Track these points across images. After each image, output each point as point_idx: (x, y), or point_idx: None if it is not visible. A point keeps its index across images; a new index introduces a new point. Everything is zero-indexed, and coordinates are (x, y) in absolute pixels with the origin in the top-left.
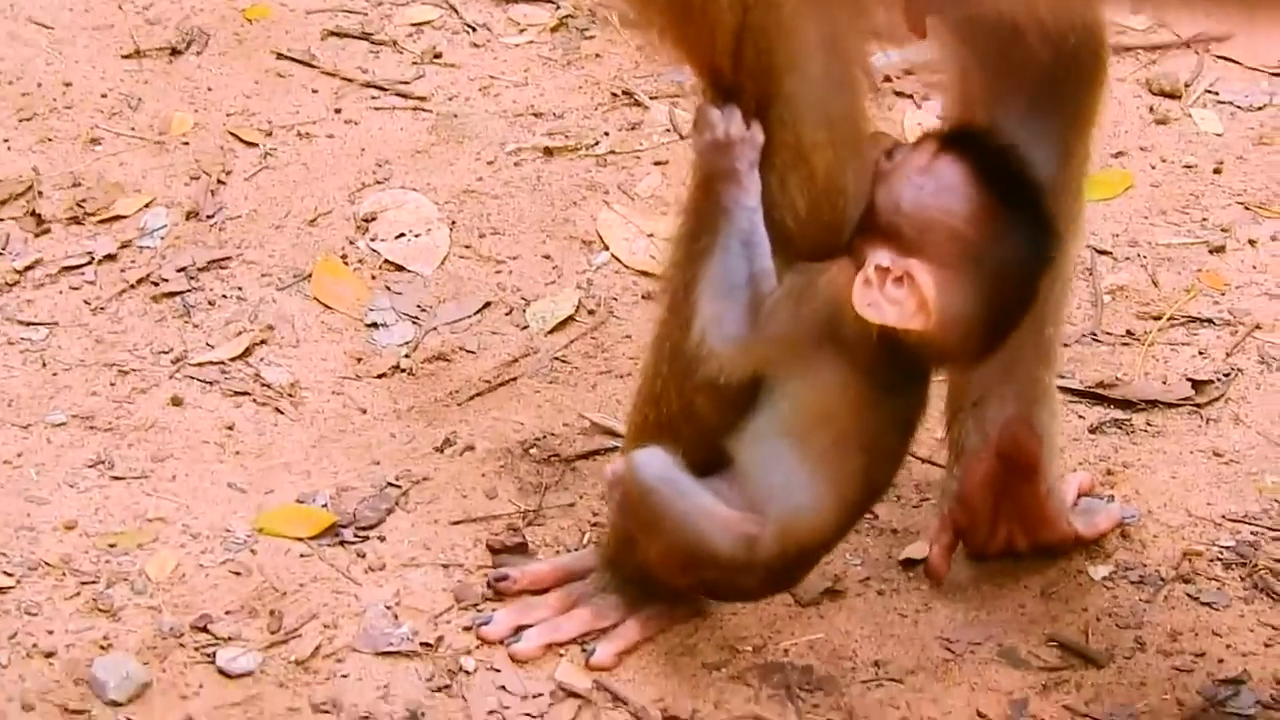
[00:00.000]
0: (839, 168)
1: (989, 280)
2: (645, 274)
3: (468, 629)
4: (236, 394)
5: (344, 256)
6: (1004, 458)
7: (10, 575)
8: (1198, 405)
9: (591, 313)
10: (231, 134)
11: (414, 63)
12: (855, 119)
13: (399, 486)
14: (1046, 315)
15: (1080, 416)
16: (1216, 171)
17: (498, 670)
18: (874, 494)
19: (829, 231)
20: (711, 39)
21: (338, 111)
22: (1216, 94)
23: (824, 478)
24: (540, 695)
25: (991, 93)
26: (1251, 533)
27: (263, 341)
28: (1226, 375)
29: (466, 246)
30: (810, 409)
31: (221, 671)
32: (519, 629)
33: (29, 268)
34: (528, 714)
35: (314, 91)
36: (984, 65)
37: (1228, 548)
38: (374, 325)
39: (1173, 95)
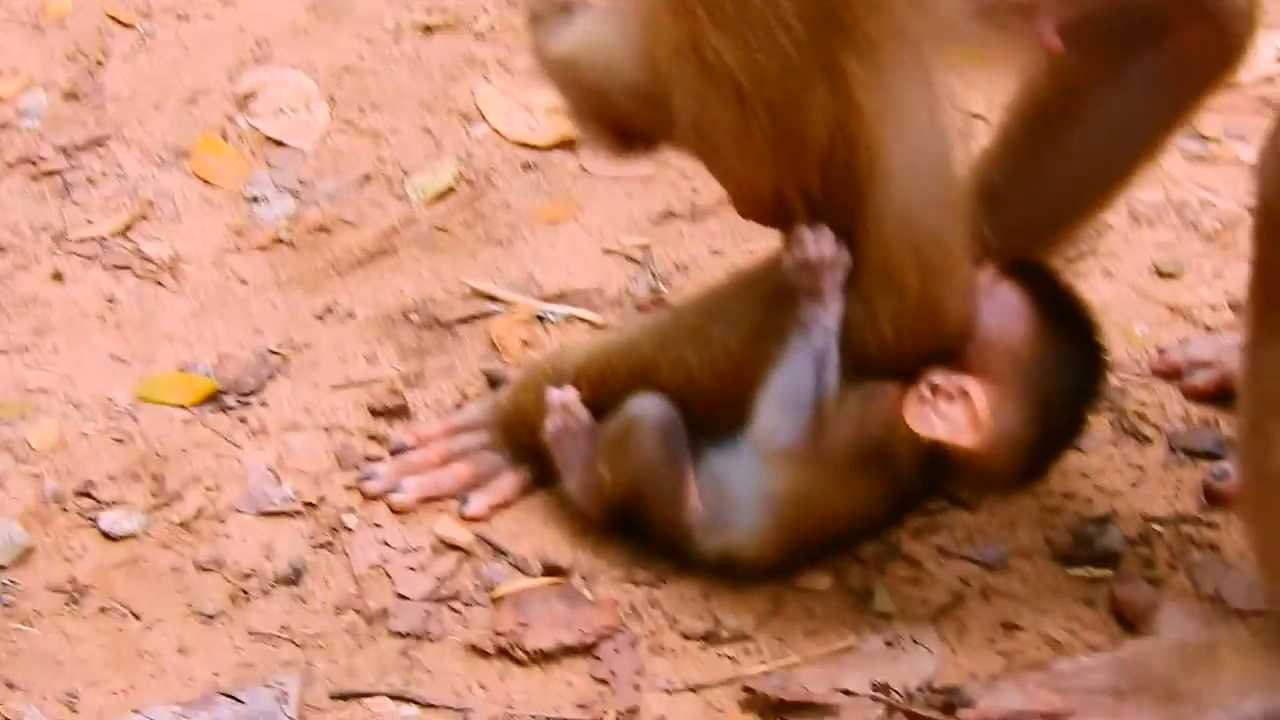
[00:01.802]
0: (932, 289)
1: (1040, 403)
2: (525, 145)
3: (349, 488)
4: (117, 268)
5: (224, 134)
6: None
7: None
8: (1069, 260)
9: (471, 183)
10: (110, 16)
11: None
12: (946, 235)
13: (280, 354)
14: None
15: None
16: None
17: (379, 526)
18: (827, 552)
19: (915, 354)
20: (803, 152)
21: None
22: None
23: (787, 534)
24: (421, 549)
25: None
26: (1120, 378)
27: (143, 217)
28: (1096, 231)
29: (346, 121)
30: (814, 497)
31: (105, 534)
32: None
33: None
34: (409, 567)
35: None
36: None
37: None
38: (254, 199)
39: None
